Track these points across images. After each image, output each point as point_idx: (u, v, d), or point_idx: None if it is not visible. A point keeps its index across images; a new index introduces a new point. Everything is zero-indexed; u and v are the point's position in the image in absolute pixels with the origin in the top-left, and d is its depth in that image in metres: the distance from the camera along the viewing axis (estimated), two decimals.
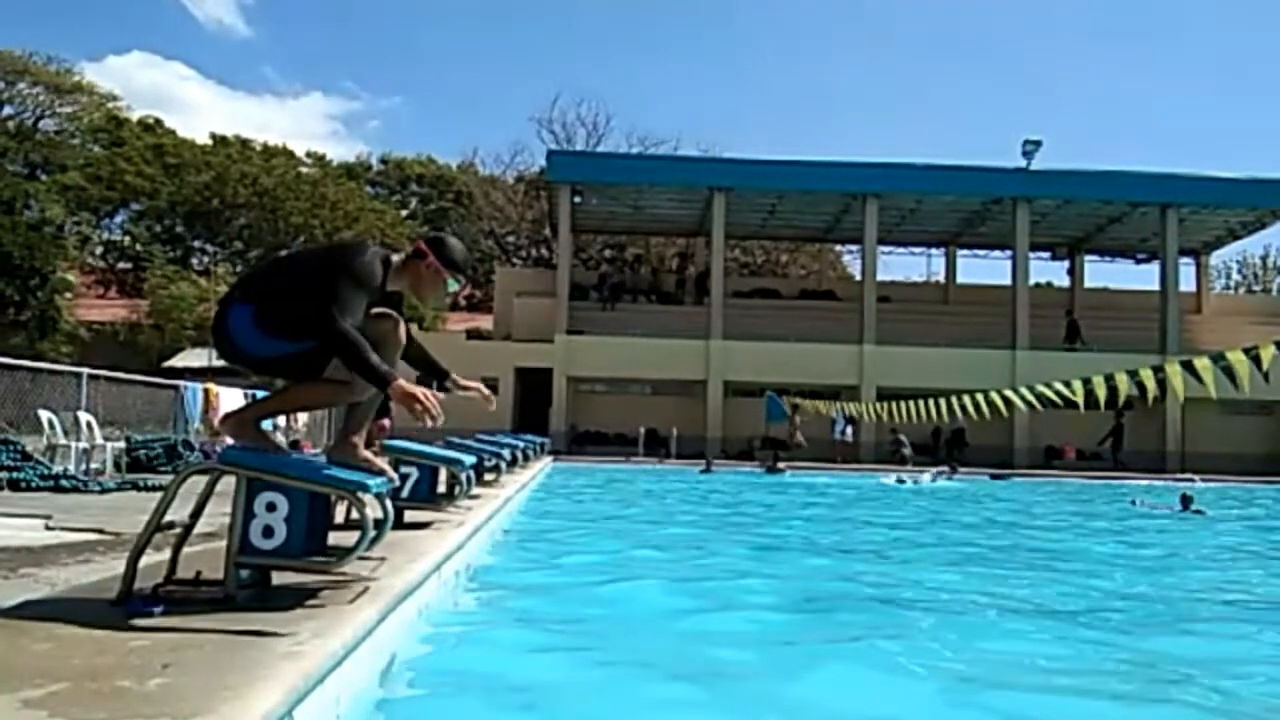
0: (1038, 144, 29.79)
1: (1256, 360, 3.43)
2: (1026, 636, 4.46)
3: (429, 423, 3.15)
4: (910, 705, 3.30)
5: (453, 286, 3.46)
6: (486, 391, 3.70)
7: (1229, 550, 8.94)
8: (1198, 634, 4.72)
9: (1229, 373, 3.54)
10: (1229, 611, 5.47)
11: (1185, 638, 4.61)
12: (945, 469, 20.72)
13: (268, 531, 2.99)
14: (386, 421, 10.18)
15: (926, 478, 19.05)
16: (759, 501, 13.29)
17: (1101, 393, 4.30)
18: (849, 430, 25.90)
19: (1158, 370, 3.88)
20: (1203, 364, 3.89)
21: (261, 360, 3.31)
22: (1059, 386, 5.39)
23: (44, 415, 10.71)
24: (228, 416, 3.44)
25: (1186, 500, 13.27)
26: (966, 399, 6.78)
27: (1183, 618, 5.16)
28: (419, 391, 3.11)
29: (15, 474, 8.64)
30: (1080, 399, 5.08)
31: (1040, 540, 9.15)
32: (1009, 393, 6.11)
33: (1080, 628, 4.70)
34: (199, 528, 3.20)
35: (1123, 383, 4.43)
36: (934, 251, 37.24)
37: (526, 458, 13.91)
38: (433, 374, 3.86)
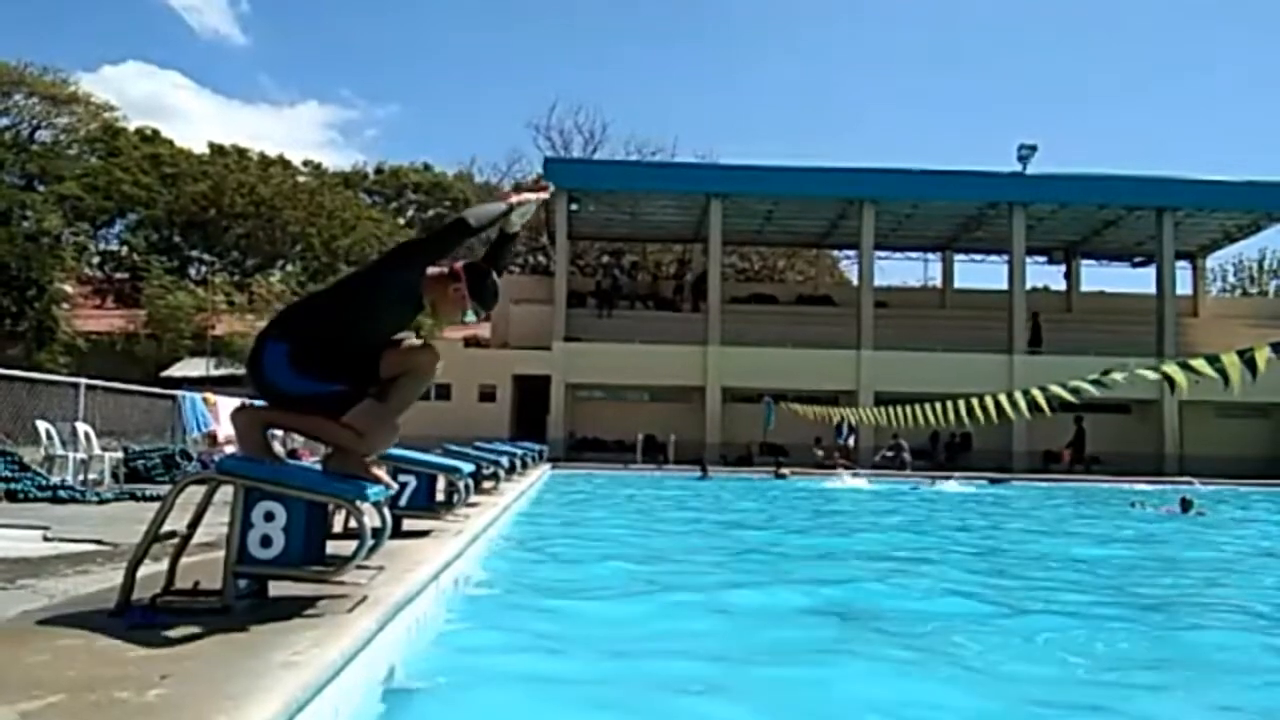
0: (1033, 148, 29.86)
1: (1251, 364, 3.43)
2: (1027, 643, 4.46)
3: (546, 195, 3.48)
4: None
5: (469, 317, 3.47)
6: (543, 195, 3.52)
7: (1233, 552, 8.95)
8: (1202, 635, 4.72)
9: (1222, 374, 3.54)
10: (1233, 613, 5.47)
11: (1188, 639, 4.61)
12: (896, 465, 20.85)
13: (266, 541, 2.99)
14: None
15: (856, 481, 19.21)
16: (752, 509, 13.29)
17: (1144, 378, 4.25)
18: (852, 436, 25.86)
19: (1186, 367, 3.89)
20: (1199, 364, 3.90)
21: (291, 398, 3.33)
22: (1055, 389, 5.40)
23: (41, 426, 10.69)
24: (241, 409, 3.44)
25: (1186, 503, 13.26)
26: (963, 402, 6.77)
27: (1186, 621, 5.16)
28: (526, 195, 3.41)
29: (13, 485, 8.62)
30: (1095, 392, 5.08)
31: (1039, 545, 9.15)
32: (1003, 397, 6.11)
33: (1085, 631, 4.70)
34: (197, 538, 3.20)
35: (1146, 375, 4.43)
36: (931, 256, 37.30)
37: (525, 465, 13.91)
38: (500, 240, 3.65)
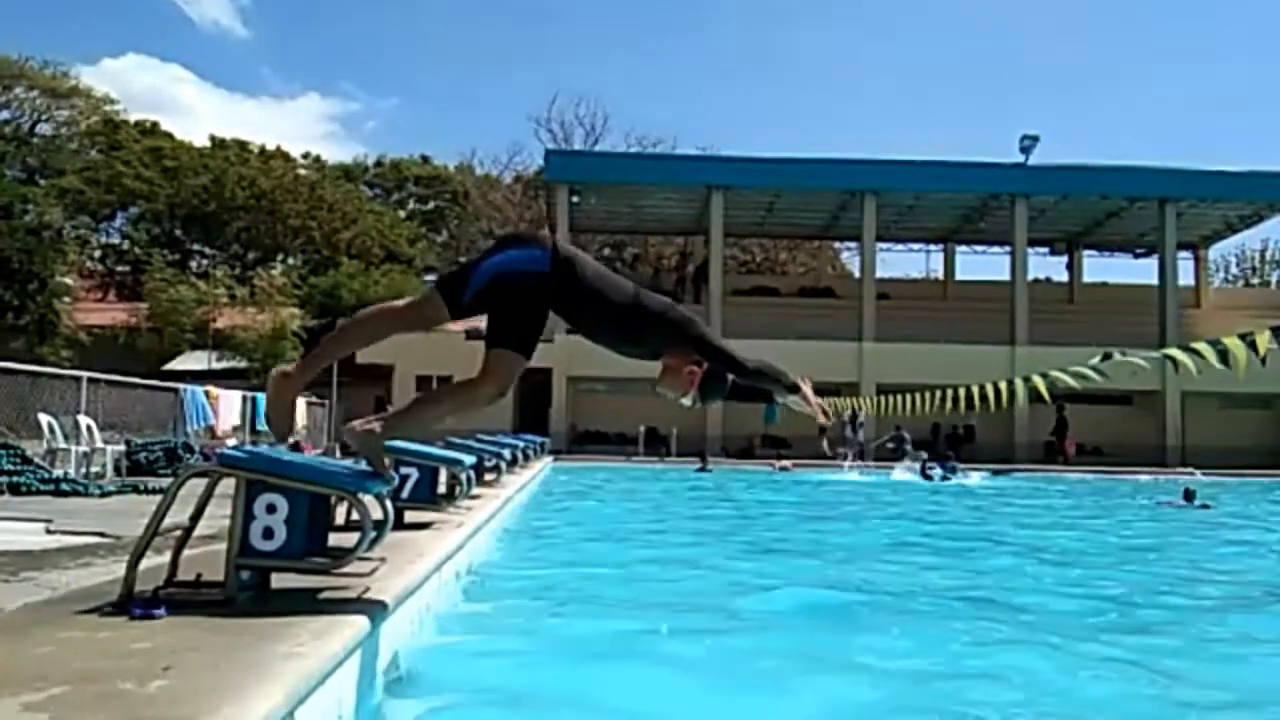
0: (1035, 139, 29.83)
1: (1253, 345, 3.43)
2: (1027, 635, 4.46)
3: (824, 419, 3.31)
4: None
5: (684, 400, 3.30)
6: (824, 420, 3.35)
7: (1239, 544, 8.93)
8: (1207, 629, 4.72)
9: (1225, 356, 3.54)
10: (1239, 606, 5.47)
11: (1194, 633, 4.61)
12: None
13: (268, 533, 2.99)
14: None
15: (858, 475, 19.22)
16: (748, 501, 13.30)
17: (1149, 362, 4.19)
18: (861, 430, 25.72)
19: (1189, 352, 3.89)
20: (1202, 347, 3.89)
21: (475, 276, 3.16)
22: (1058, 374, 5.39)
23: (44, 419, 10.70)
24: (279, 376, 3.21)
25: (1189, 494, 13.21)
26: (963, 389, 6.77)
27: (1191, 614, 5.16)
28: (816, 401, 3.25)
29: (15, 478, 8.64)
30: (1098, 378, 5.06)
31: (1040, 538, 9.16)
32: (1003, 384, 6.10)
33: (1087, 626, 4.70)
34: (199, 530, 3.20)
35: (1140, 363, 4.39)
36: (932, 248, 37.28)
37: (527, 457, 13.91)
38: (760, 390, 3.42)
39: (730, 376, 3.26)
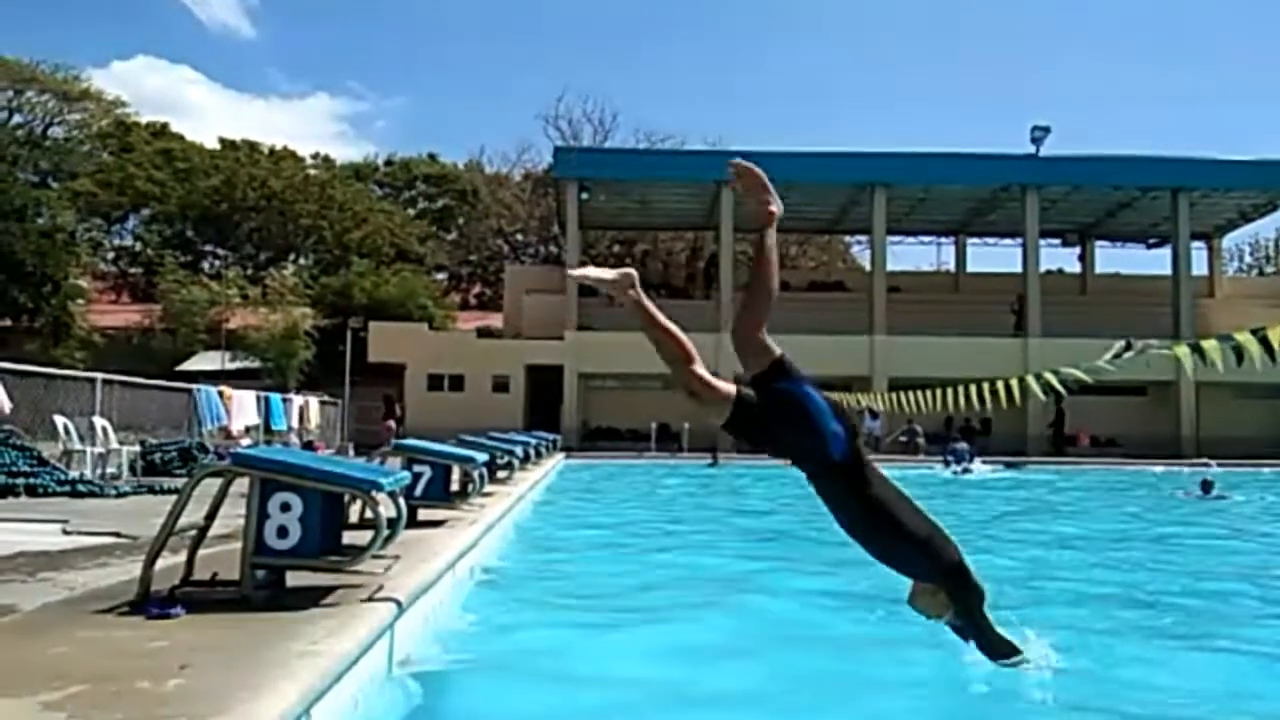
0: (1046, 130, 29.61)
1: (1264, 342, 3.38)
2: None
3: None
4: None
5: (940, 620, 3.27)
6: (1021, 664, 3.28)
7: (1258, 535, 8.88)
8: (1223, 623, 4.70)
9: (1238, 352, 3.50)
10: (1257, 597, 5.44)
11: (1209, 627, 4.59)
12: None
13: (282, 532, 3.01)
14: (392, 422, 10.20)
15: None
16: (758, 497, 13.28)
17: (1190, 358, 4.10)
18: (878, 424, 25.50)
19: (1194, 349, 3.85)
20: (1210, 345, 3.85)
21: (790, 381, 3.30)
22: (1069, 370, 5.35)
23: (59, 421, 10.76)
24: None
25: (1207, 485, 13.12)
26: (974, 387, 6.71)
27: (1210, 604, 5.14)
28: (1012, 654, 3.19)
29: (32, 480, 8.70)
30: (1112, 370, 5.01)
31: (1063, 529, 9.13)
32: (1014, 381, 6.05)
33: (1104, 618, 4.69)
34: (215, 529, 3.22)
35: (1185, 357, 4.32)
36: (944, 240, 37.09)
37: (539, 455, 13.92)
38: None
39: (970, 595, 3.21)
